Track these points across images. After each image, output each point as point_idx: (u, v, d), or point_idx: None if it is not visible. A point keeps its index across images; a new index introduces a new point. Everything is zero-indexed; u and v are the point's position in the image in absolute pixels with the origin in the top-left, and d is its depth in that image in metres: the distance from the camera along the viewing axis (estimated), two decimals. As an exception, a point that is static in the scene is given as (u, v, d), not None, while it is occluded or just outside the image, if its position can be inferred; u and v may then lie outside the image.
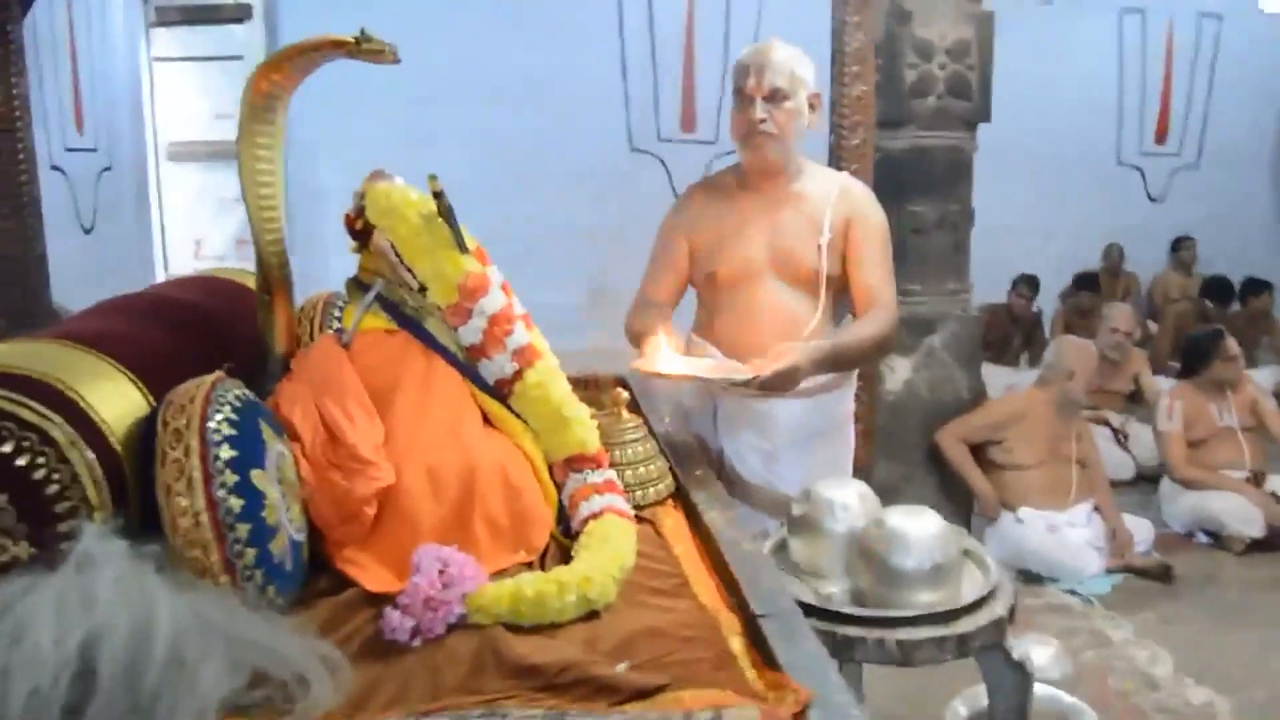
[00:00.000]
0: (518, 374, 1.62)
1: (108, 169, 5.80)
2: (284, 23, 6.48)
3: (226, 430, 1.24)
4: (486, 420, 1.63)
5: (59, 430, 1.16)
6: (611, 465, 1.74)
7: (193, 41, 6.35)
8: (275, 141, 1.64)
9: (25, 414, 1.15)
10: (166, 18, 6.35)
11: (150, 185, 6.27)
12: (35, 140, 4.52)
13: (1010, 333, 6.39)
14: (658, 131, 6.65)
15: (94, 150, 5.78)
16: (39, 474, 1.14)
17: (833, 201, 2.15)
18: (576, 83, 6.16)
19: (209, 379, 1.30)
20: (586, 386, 2.56)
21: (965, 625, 1.72)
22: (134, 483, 1.23)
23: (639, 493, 1.76)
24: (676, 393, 2.35)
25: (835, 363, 2.07)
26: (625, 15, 6.49)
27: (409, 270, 1.60)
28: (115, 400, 1.28)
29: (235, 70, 6.31)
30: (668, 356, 1.93)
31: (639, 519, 1.70)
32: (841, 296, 2.22)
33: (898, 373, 4.06)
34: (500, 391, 1.63)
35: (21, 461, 1.14)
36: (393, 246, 1.60)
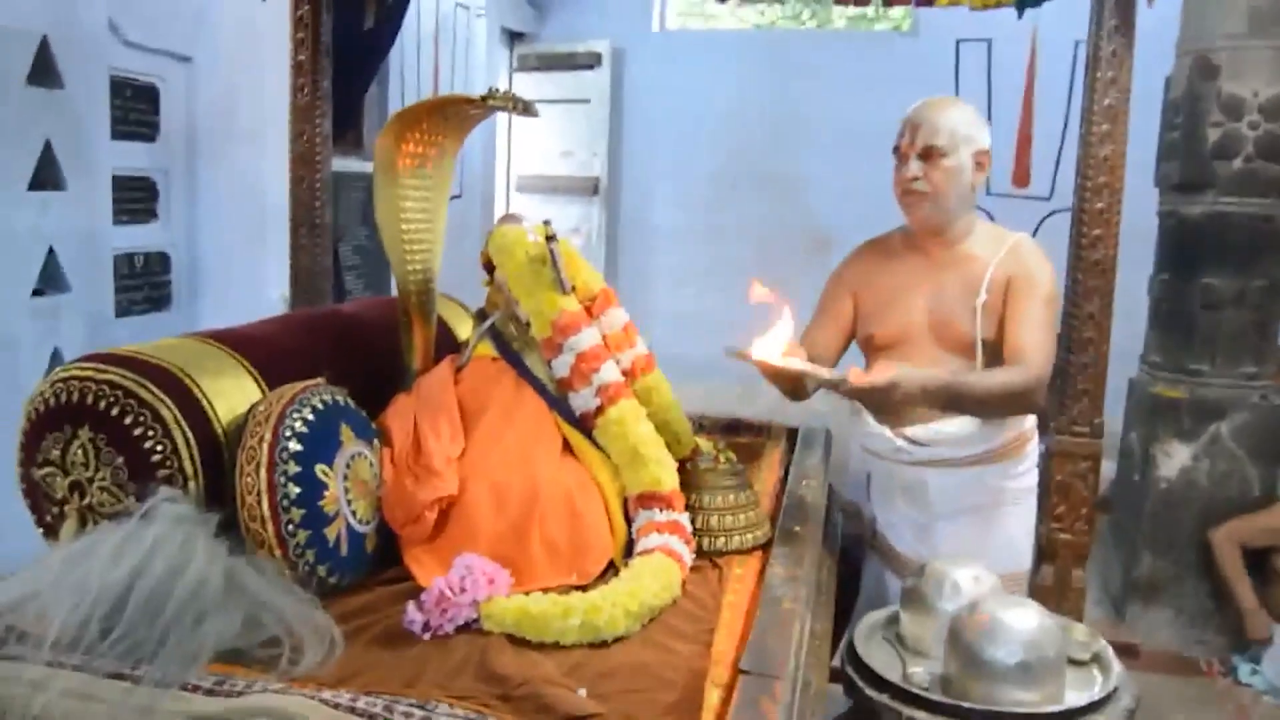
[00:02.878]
0: (600, 409, 1.73)
1: (457, 196, 6.56)
2: (628, 70, 7.01)
3: (299, 427, 1.47)
4: (570, 450, 1.75)
5: (168, 410, 1.44)
6: (697, 509, 1.79)
7: (548, 85, 7.04)
8: (432, 185, 1.87)
9: (144, 394, 1.44)
10: (527, 64, 7.15)
11: (496, 213, 7.01)
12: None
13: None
14: (988, 185, 6.42)
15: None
16: (147, 444, 1.43)
17: (996, 262, 2.04)
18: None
19: (302, 385, 1.54)
20: (757, 432, 2.60)
21: (1045, 734, 1.59)
22: (229, 462, 1.49)
23: (721, 540, 1.80)
24: (843, 457, 2.32)
25: (950, 399, 1.94)
26: (961, 67, 6.32)
27: (518, 304, 1.77)
28: (233, 393, 1.56)
29: (579, 112, 6.97)
30: (763, 344, 1.82)
31: (712, 564, 1.74)
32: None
33: (1173, 458, 3.66)
34: (584, 424, 1.75)
35: (136, 432, 1.42)
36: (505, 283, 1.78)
